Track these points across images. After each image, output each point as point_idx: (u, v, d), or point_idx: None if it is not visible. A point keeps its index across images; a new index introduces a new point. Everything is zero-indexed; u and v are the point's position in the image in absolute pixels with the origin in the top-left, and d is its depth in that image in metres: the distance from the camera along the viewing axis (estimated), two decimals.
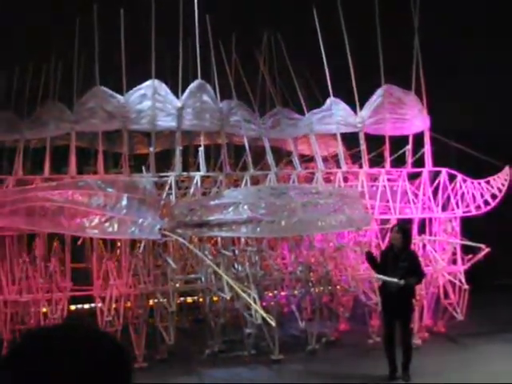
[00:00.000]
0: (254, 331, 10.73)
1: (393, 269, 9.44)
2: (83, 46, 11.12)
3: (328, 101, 12.30)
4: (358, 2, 12.46)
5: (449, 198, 11.99)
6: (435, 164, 12.19)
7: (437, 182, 12.04)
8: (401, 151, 12.14)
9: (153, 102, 11.17)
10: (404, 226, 10.24)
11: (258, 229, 10.27)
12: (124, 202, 10.04)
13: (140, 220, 9.97)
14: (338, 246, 11.84)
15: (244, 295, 9.73)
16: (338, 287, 11.81)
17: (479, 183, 12.04)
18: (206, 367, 10.57)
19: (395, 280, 9.29)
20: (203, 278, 11.09)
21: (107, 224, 9.86)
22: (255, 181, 12.31)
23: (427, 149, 12.15)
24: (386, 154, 12.08)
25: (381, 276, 9.46)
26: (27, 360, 1.56)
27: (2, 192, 10.25)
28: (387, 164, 12.09)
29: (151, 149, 11.27)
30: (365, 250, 10.57)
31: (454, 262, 12.00)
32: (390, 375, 9.64)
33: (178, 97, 11.36)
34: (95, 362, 1.58)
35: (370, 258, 9.92)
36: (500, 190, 11.93)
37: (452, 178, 12.09)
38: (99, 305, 10.60)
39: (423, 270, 10.07)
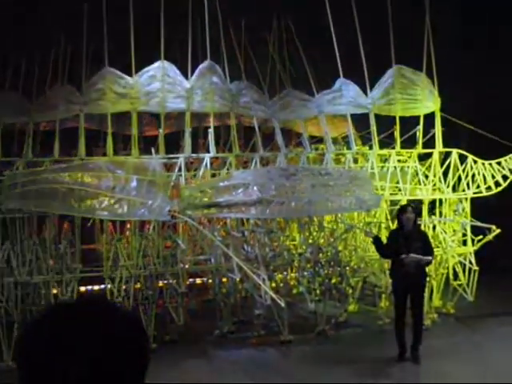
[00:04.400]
0: (263, 312, 10.75)
1: (406, 249, 9.42)
2: (92, 27, 11.07)
3: (338, 82, 12.21)
4: None
5: (459, 179, 11.94)
6: (446, 145, 12.12)
7: (447, 162, 11.99)
8: (411, 132, 12.07)
9: (162, 84, 11.13)
10: (418, 207, 10.23)
11: (268, 210, 10.25)
12: (133, 184, 10.04)
13: (149, 202, 9.97)
14: (347, 227, 11.84)
15: (253, 276, 9.75)
16: (348, 268, 11.81)
17: (490, 164, 11.97)
18: (215, 348, 10.62)
19: (423, 257, 9.34)
20: (213, 260, 11.11)
21: (117, 206, 9.87)
22: (265, 162, 12.28)
23: (438, 130, 12.08)
24: (397, 134, 11.99)
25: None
26: (50, 331, 1.54)
27: (12, 174, 10.27)
28: (397, 145, 12.02)
29: (160, 130, 11.25)
30: (372, 234, 10.48)
31: (464, 243, 11.98)
32: (400, 356, 9.67)
33: (187, 78, 11.32)
34: (119, 334, 1.57)
35: (377, 241, 9.91)
36: (511, 172, 11.87)
37: (463, 159, 12.03)
38: (109, 286, 10.67)
39: (433, 250, 10.09)
